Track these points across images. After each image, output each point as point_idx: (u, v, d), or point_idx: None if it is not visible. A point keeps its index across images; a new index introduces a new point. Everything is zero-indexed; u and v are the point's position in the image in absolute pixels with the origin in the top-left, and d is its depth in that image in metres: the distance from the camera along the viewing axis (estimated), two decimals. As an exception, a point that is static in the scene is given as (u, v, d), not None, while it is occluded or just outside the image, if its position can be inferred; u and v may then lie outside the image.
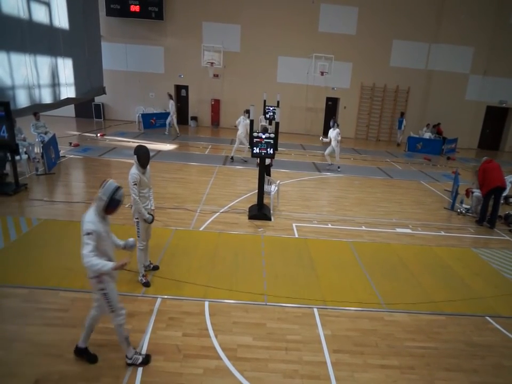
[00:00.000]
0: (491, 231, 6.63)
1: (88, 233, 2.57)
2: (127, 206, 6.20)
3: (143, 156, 3.75)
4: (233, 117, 15.48)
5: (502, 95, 15.53)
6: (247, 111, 9.64)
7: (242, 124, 9.43)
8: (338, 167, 9.97)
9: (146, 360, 3.02)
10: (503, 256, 5.59)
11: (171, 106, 12.78)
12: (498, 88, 15.35)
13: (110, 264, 2.58)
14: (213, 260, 4.74)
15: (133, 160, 3.79)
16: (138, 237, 3.96)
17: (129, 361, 2.99)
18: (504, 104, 15.72)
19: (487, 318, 4.05)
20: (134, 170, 3.76)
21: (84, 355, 3.01)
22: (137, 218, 3.90)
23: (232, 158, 9.93)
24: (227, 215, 6.30)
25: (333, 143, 9.47)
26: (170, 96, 13.03)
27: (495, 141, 16.44)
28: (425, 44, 15.09)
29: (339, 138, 9.47)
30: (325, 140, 9.73)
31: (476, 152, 15.58)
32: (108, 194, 2.66)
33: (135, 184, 3.74)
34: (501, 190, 6.61)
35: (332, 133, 9.45)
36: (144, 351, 3.15)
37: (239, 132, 9.50)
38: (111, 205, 2.68)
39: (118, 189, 2.69)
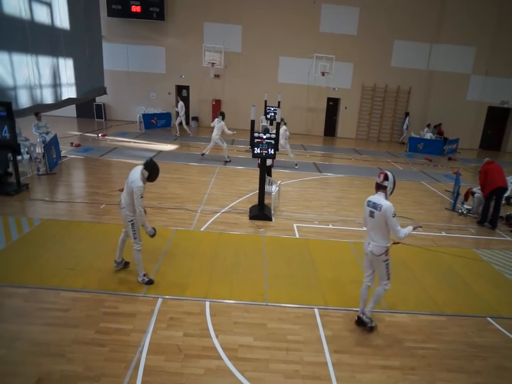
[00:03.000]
0: (492, 231, 6.62)
1: (395, 215, 3.34)
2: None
3: (155, 175, 3.81)
4: (235, 117, 15.52)
5: (504, 96, 15.49)
6: (221, 113, 9.69)
7: (217, 126, 9.48)
8: (296, 164, 9.92)
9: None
10: (504, 257, 5.57)
11: (180, 107, 12.85)
12: (499, 88, 15.31)
13: (410, 227, 3.44)
14: (213, 260, 4.75)
15: (141, 171, 3.76)
16: (135, 238, 3.94)
17: (370, 324, 3.69)
18: (505, 105, 15.68)
19: (488, 319, 4.04)
20: (141, 184, 3.74)
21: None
22: (131, 220, 3.87)
23: (203, 154, 9.99)
24: (228, 215, 6.30)
25: (281, 141, 9.40)
26: (182, 98, 13.28)
27: (496, 141, 16.40)
28: (427, 44, 15.07)
29: (288, 134, 9.51)
30: None
31: (478, 152, 15.55)
32: (393, 183, 3.48)
33: (142, 196, 3.75)
34: (503, 190, 6.60)
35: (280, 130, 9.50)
36: (145, 351, 3.16)
37: (213, 134, 9.54)
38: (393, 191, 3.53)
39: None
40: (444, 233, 6.32)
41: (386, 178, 3.46)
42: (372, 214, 3.47)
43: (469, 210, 7.38)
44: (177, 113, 13.15)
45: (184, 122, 13.17)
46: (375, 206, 3.44)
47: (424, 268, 5.02)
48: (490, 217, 6.77)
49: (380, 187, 3.49)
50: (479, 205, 7.07)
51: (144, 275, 4.12)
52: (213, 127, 9.62)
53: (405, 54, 15.10)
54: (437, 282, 4.67)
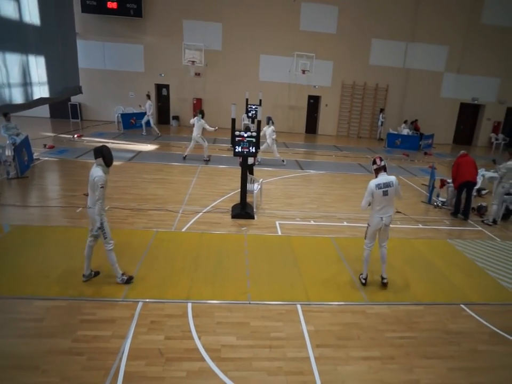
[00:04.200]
0: (465, 222, 6.93)
1: None
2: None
3: (109, 156, 3.76)
4: (216, 116, 15.39)
5: (474, 92, 16.25)
6: (201, 112, 9.59)
7: (197, 125, 9.37)
8: (283, 161, 10.05)
9: None
10: (476, 246, 5.85)
11: (148, 106, 12.57)
12: (471, 85, 16.05)
13: None
14: (195, 260, 4.69)
15: (96, 163, 3.73)
16: (105, 238, 3.86)
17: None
18: (476, 101, 16.46)
19: (462, 305, 4.23)
20: (101, 173, 3.70)
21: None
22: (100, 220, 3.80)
23: (185, 157, 9.79)
24: (210, 215, 6.25)
25: (268, 141, 9.50)
26: (148, 96, 12.91)
27: (468, 136, 17.20)
28: (403, 43, 15.54)
29: (274, 136, 9.52)
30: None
31: (451, 147, 16.24)
32: None
33: (102, 186, 3.70)
34: (471, 184, 6.89)
35: (267, 130, 9.50)
36: (125, 357, 3.07)
37: (194, 133, 9.41)
38: None
39: None
40: (420, 226, 6.56)
41: (382, 159, 4.13)
42: (386, 193, 4.04)
43: (443, 202, 7.70)
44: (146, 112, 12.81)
45: (152, 122, 12.90)
46: (387, 184, 4.03)
47: (402, 259, 5.18)
48: (463, 209, 7.08)
49: (380, 169, 4.10)
50: (453, 197, 7.38)
51: (123, 274, 4.03)
52: (192, 125, 9.47)
53: (382, 53, 15.50)
54: (414, 273, 4.84)
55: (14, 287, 3.87)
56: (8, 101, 8.12)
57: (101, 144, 3.85)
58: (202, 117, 9.47)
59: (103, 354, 3.09)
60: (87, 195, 3.87)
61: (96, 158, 3.72)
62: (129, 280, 4.03)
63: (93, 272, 4.13)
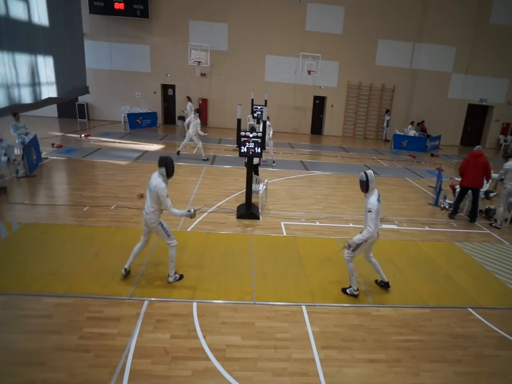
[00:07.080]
0: (473, 225, 6.84)
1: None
2: (112, 207, 6.07)
3: (171, 168, 3.88)
4: (221, 116, 15.48)
5: (483, 93, 16.04)
6: (198, 111, 9.74)
7: (193, 123, 9.49)
8: (273, 162, 10.02)
9: None
10: (484, 249, 5.78)
11: (189, 108, 12.72)
12: (479, 86, 15.85)
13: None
14: (201, 260, 4.71)
15: (159, 173, 3.83)
16: (168, 236, 4.03)
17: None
18: (484, 102, 16.25)
19: (469, 309, 4.18)
20: (164, 185, 3.81)
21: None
22: (159, 223, 3.96)
23: (178, 152, 9.93)
24: (215, 214, 6.26)
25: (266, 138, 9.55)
26: (189, 98, 13.19)
27: (476, 137, 16.98)
28: (410, 43, 15.41)
29: (271, 133, 9.51)
30: None
31: (459, 148, 16.05)
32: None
33: (168, 196, 3.84)
34: (476, 189, 6.72)
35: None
36: (131, 355, 3.10)
37: (190, 130, 9.56)
38: None
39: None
40: (427, 228, 6.49)
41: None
42: (380, 202, 3.98)
43: (450, 205, 7.60)
44: (186, 114, 13.03)
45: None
46: (378, 194, 3.97)
47: (409, 262, 5.14)
48: (470, 212, 6.99)
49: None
50: (460, 199, 7.29)
51: (175, 273, 4.18)
52: (185, 113, 9.64)
53: (389, 53, 15.39)
54: (420, 276, 4.79)
55: (22, 284, 3.93)
56: (17, 100, 8.24)
57: (165, 155, 3.92)
58: (199, 116, 9.64)
59: (109, 351, 3.11)
60: (140, 197, 3.95)
61: (160, 166, 3.83)
62: (180, 278, 4.22)
63: (129, 269, 4.23)
